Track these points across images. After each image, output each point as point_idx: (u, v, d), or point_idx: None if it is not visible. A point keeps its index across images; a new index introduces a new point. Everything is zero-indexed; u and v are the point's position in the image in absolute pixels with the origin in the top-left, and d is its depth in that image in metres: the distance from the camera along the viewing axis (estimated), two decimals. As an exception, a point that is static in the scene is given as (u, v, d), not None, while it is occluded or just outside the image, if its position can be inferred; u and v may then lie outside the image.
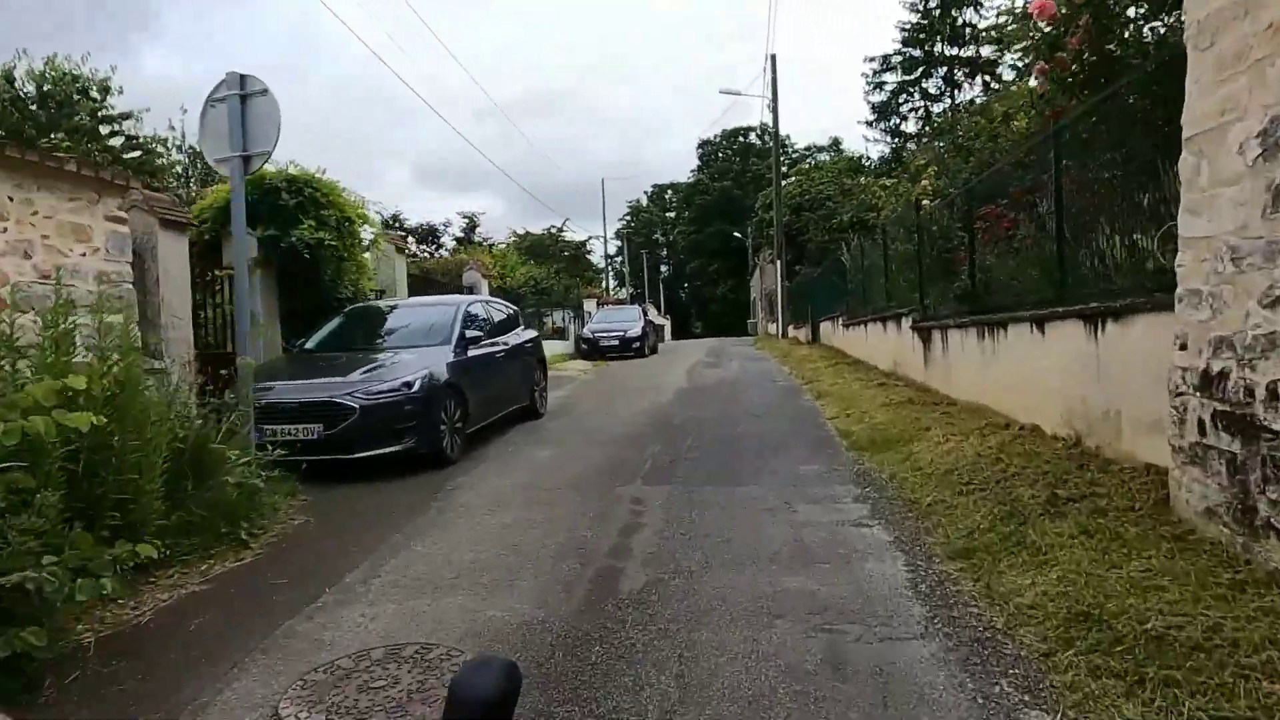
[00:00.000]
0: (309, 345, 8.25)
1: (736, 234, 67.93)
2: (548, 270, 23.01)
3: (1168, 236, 4.13)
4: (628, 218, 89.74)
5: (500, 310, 9.77)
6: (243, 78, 6.08)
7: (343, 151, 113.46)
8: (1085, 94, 5.95)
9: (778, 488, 5.79)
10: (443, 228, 28.25)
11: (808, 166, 39.56)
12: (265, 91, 6.02)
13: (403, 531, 5.08)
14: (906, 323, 10.33)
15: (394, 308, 8.95)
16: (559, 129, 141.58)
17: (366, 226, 9.84)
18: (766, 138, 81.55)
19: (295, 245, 8.76)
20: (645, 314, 25.03)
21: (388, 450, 6.68)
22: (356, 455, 6.57)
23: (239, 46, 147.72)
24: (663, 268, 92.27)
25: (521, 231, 54.37)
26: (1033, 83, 7.13)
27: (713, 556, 4.27)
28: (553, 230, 53.79)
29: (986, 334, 7.17)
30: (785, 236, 29.29)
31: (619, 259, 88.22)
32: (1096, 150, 5.50)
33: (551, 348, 22.48)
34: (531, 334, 10.45)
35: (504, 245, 27.42)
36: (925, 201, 12.23)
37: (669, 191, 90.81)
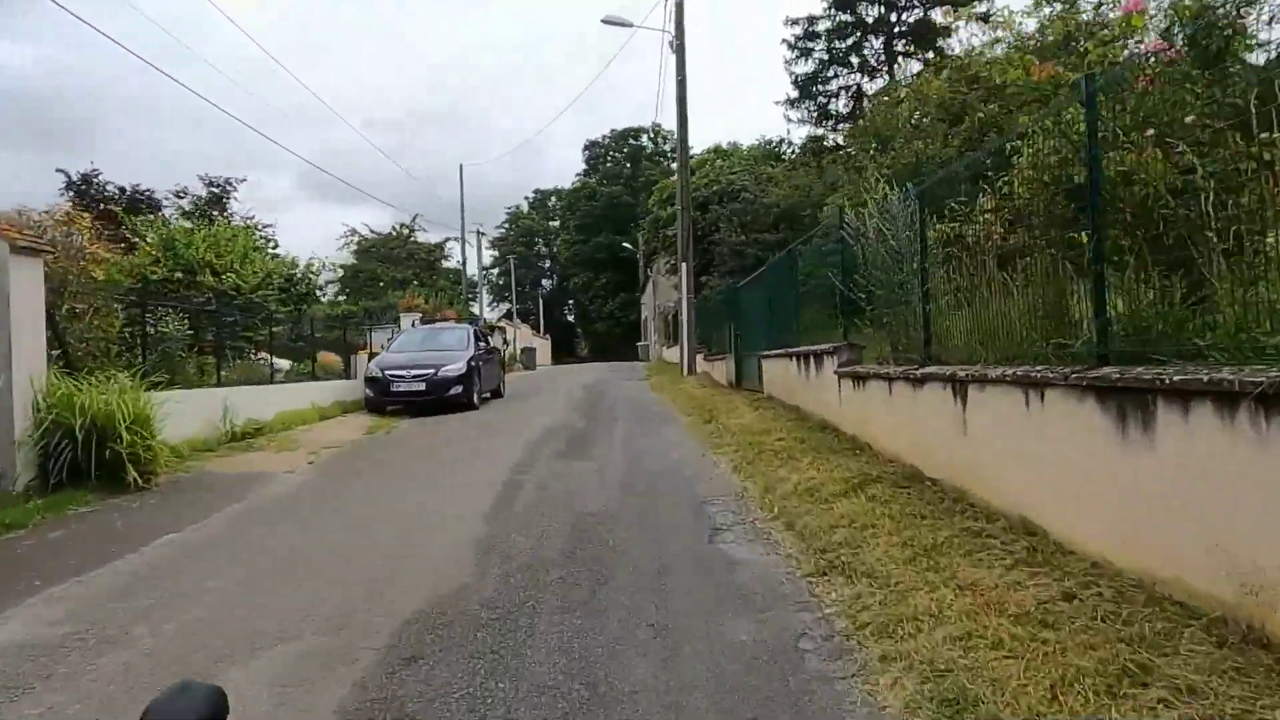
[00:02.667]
0: None
1: (627, 245, 60.12)
2: (281, 268, 13.68)
3: None
4: (506, 225, 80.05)
5: None
6: None
7: (226, 150, 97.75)
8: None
9: None
10: (173, 196, 18.39)
11: (711, 155, 31.83)
12: None
13: None
14: None
15: None
16: (458, 140, 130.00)
17: None
18: (659, 139, 74.37)
19: None
20: (481, 338, 16.01)
21: None
22: None
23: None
24: (545, 282, 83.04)
25: (365, 231, 44.39)
26: None
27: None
28: (402, 230, 43.82)
29: None
30: (691, 235, 21.12)
31: (495, 270, 78.32)
32: None
33: (303, 395, 13.09)
34: None
35: (256, 232, 17.67)
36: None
37: (553, 198, 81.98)
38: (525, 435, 10.09)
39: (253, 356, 13.60)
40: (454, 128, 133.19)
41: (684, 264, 19.77)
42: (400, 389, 13.20)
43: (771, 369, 11.38)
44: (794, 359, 9.70)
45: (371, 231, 42.31)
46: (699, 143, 50.39)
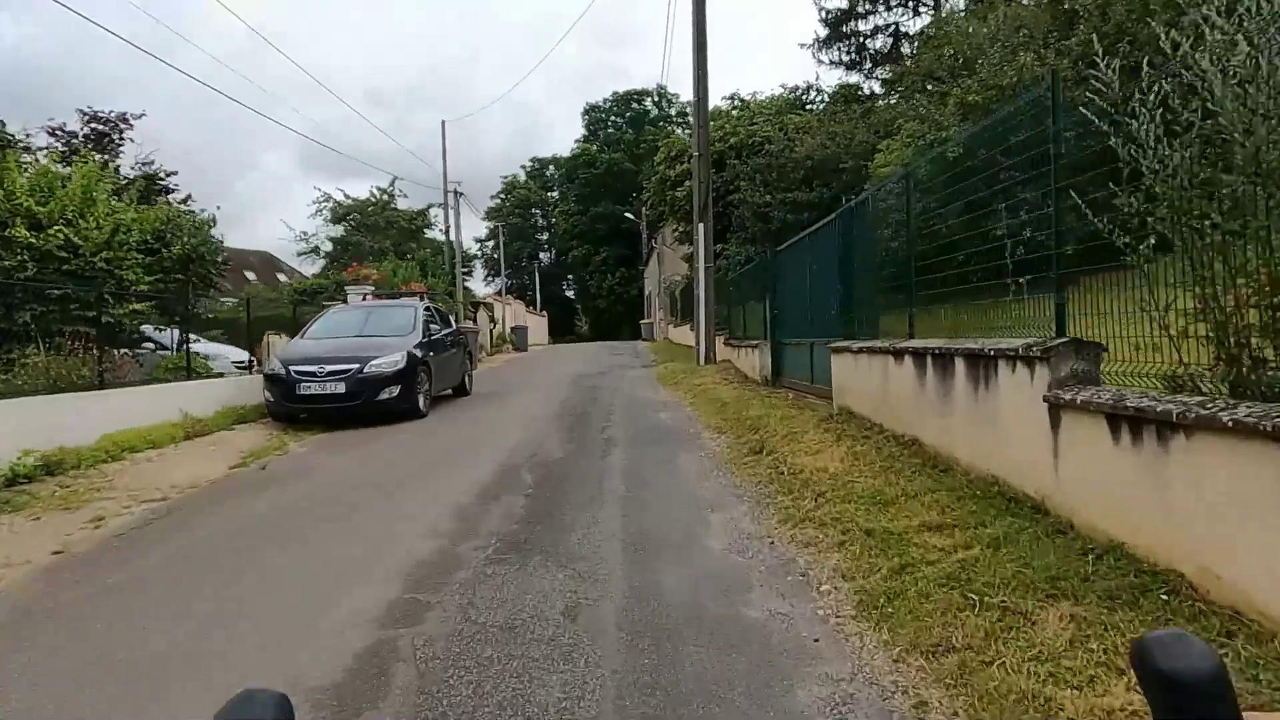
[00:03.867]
0: None
1: (629, 215, 55.86)
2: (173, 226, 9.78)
3: None
4: (501, 196, 75.43)
5: None
6: None
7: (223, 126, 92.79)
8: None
9: None
10: (45, 133, 14.43)
11: (727, 105, 27.54)
12: None
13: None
14: None
15: None
16: (460, 123, 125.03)
17: None
18: (664, 103, 69.69)
19: None
20: (438, 318, 12.13)
21: None
22: None
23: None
24: (542, 255, 78.66)
25: (340, 195, 40.17)
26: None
27: None
28: (380, 195, 39.58)
29: None
30: (709, 188, 17.11)
31: (489, 243, 73.87)
32: None
33: (171, 400, 9.17)
34: None
35: (158, 181, 13.82)
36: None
37: (551, 166, 77.32)
38: (469, 477, 6.29)
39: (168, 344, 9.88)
40: (455, 110, 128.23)
41: (701, 225, 15.82)
42: (309, 392, 9.34)
43: (850, 370, 7.49)
44: (907, 359, 5.82)
45: (347, 196, 38.15)
46: (712, 97, 45.99)
